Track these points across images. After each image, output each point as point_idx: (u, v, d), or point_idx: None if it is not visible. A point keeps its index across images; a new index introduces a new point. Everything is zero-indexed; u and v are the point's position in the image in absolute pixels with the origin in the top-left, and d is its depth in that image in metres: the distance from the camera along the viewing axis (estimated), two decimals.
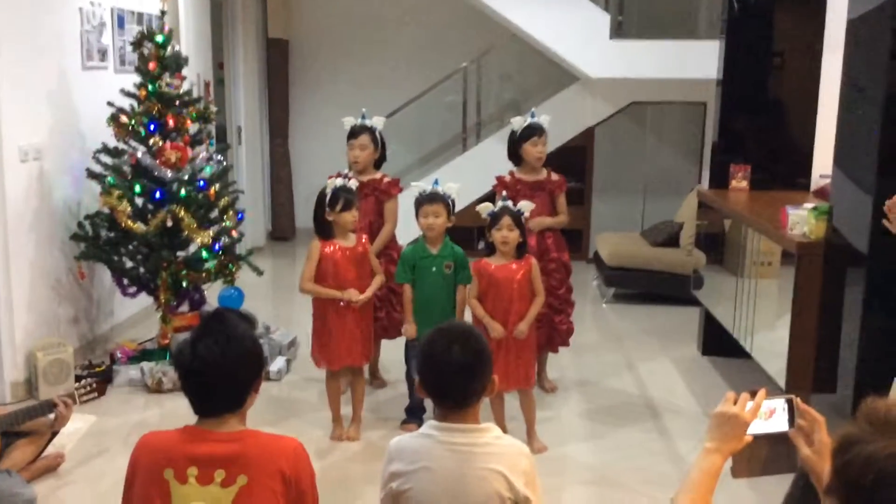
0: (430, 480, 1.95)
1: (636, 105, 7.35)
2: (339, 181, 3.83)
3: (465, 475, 1.94)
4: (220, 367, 1.87)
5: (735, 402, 1.68)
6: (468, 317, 3.83)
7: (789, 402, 1.69)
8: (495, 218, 3.69)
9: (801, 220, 3.52)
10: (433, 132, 8.03)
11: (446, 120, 8.01)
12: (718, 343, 4.89)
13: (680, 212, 6.46)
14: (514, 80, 8.17)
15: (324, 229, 3.84)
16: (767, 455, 1.71)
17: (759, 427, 1.68)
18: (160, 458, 1.90)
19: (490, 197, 4.20)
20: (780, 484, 1.86)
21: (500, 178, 4.42)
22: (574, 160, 7.35)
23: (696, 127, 7.38)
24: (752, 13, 4.92)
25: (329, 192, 3.79)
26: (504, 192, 4.00)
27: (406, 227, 4.43)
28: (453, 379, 1.95)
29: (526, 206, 3.75)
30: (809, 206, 3.56)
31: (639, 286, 6.37)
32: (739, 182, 4.86)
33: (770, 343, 3.89)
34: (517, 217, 3.68)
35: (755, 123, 5.12)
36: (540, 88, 7.68)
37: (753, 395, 1.70)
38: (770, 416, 1.69)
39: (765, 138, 5.11)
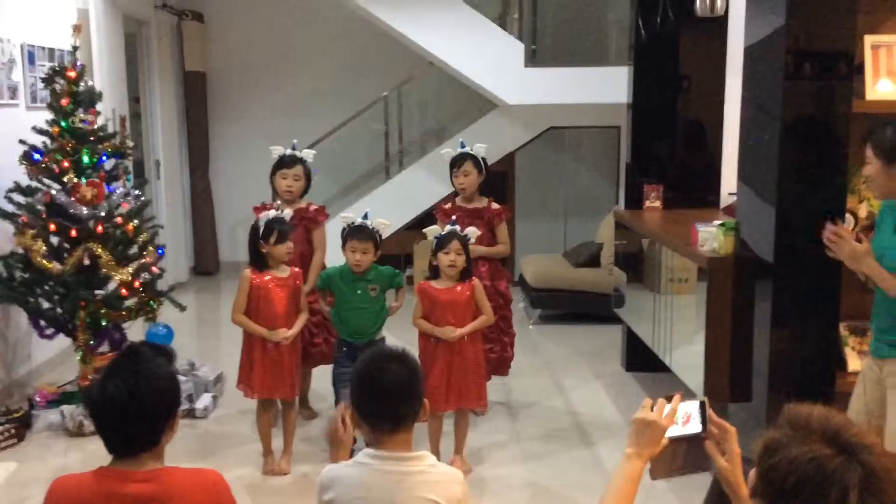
0: None
1: (554, 130, 7.53)
2: (271, 213, 3.83)
3: (398, 503, 1.96)
4: (129, 406, 1.81)
5: (652, 408, 1.76)
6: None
7: (702, 405, 1.78)
8: (442, 241, 3.75)
9: (711, 236, 3.66)
10: (356, 161, 8.05)
11: (369, 148, 8.05)
12: (641, 359, 5.02)
13: (599, 232, 6.62)
14: (435, 107, 8.28)
15: (258, 260, 3.83)
16: (684, 456, 1.79)
17: (675, 431, 1.76)
18: (76, 502, 1.85)
19: (419, 224, 4.23)
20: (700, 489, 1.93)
21: (440, 206, 4.50)
22: (496, 185, 7.46)
23: (612, 149, 7.59)
24: (658, 39, 5.13)
25: (262, 224, 3.78)
26: (453, 217, 4.07)
27: (333, 256, 4.43)
28: (390, 397, 1.98)
29: (472, 231, 3.87)
30: (718, 222, 3.70)
31: (563, 307, 6.49)
32: (653, 202, 5.02)
33: (688, 356, 4.01)
34: (465, 242, 3.76)
35: (666, 145, 5.32)
36: (460, 115, 7.80)
37: (669, 399, 1.78)
38: (687, 420, 1.77)
39: (675, 159, 5.31)
